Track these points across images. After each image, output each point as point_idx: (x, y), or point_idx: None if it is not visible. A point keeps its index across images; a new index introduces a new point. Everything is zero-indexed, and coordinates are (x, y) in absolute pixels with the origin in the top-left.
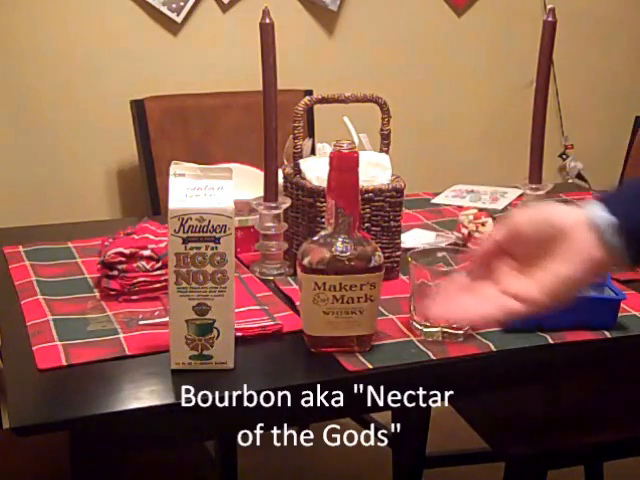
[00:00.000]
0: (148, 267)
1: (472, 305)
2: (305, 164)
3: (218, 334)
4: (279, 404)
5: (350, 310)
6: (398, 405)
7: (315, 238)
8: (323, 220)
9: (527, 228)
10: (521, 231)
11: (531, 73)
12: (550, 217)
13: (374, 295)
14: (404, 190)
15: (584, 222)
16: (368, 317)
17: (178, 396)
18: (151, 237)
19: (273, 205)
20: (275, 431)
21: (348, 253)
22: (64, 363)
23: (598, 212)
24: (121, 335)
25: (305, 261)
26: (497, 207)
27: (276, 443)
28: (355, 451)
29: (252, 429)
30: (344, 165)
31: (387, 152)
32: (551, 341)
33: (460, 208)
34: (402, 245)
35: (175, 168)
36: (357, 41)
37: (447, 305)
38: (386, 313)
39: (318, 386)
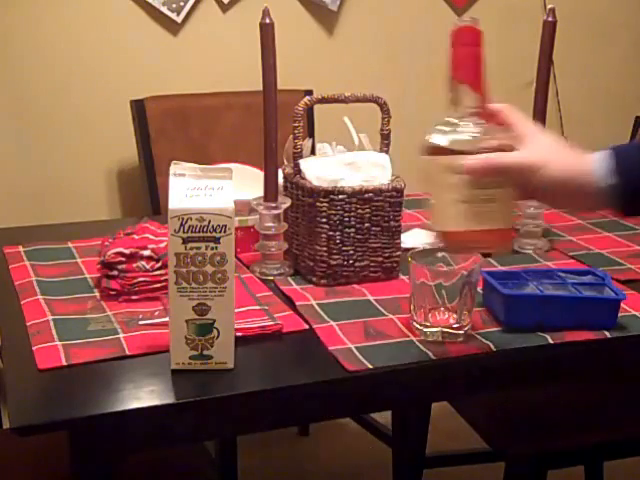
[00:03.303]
0: (148, 267)
1: None
2: (305, 164)
3: (218, 334)
4: (279, 404)
5: (484, 198)
6: (398, 405)
7: (441, 124)
8: (323, 220)
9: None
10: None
11: (531, 73)
12: None
13: (506, 184)
14: (404, 190)
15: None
16: (503, 207)
17: (178, 396)
18: (151, 237)
19: (273, 205)
20: (275, 431)
21: (479, 136)
22: (64, 363)
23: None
24: (121, 335)
25: (433, 143)
26: None
27: (276, 443)
28: (355, 451)
29: (252, 429)
30: (467, 38)
31: (387, 152)
32: (551, 341)
33: None
34: (402, 245)
35: (175, 168)
36: (357, 41)
37: None
38: (386, 313)
39: (318, 386)
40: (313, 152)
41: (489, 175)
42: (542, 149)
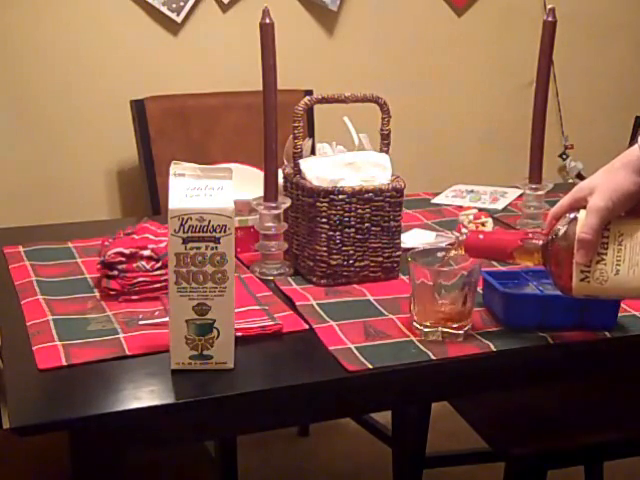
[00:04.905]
0: (148, 267)
1: None
2: (305, 164)
3: (218, 334)
4: (279, 404)
5: (619, 246)
6: (398, 405)
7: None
8: (323, 220)
9: None
10: None
11: (531, 73)
12: None
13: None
14: (404, 190)
15: None
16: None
17: (178, 396)
18: (151, 237)
19: (273, 205)
20: (275, 431)
21: None
22: (64, 363)
23: None
24: (121, 335)
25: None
26: (497, 207)
27: (276, 443)
28: (355, 451)
29: (252, 429)
30: (478, 243)
31: (387, 152)
32: (551, 341)
33: (460, 208)
34: (402, 245)
35: (175, 168)
36: (357, 41)
37: None
38: (386, 313)
39: (318, 386)
40: (313, 152)
41: (600, 231)
42: (595, 178)
